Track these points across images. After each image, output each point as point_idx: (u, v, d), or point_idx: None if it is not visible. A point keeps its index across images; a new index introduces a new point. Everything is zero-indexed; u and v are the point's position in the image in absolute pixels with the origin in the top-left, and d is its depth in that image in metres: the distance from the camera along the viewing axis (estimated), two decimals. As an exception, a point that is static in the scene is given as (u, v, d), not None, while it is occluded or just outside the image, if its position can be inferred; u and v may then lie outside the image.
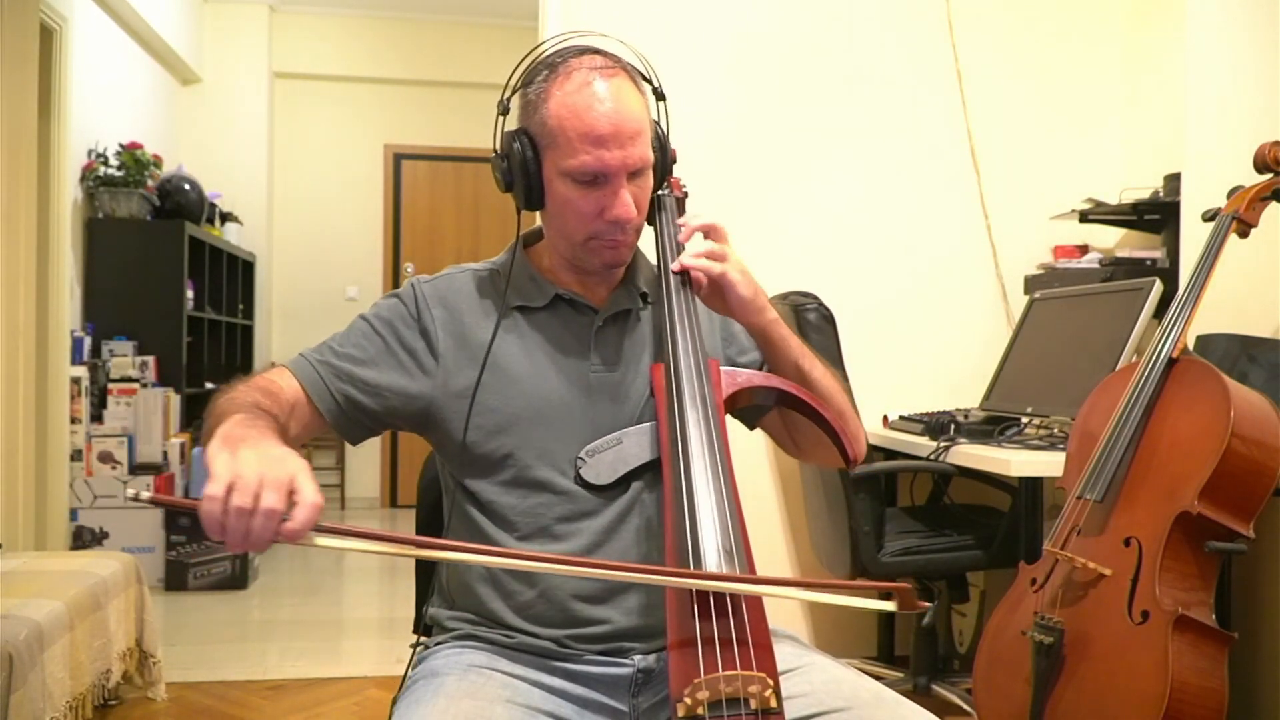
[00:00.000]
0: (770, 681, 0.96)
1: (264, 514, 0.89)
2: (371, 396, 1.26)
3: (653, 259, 1.35)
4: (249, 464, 0.91)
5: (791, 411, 1.35)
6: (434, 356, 1.27)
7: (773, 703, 0.95)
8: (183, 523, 0.98)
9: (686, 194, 1.44)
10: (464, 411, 1.24)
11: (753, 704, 0.94)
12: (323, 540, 0.93)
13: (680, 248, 1.29)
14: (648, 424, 1.24)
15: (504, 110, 1.25)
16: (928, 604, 1.04)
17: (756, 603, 1.01)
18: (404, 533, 0.98)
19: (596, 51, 1.22)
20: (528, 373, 1.26)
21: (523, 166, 1.22)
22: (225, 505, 0.88)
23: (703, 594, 1.01)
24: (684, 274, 1.25)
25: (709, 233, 1.28)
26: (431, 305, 1.29)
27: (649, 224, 1.34)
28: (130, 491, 0.92)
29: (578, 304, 1.29)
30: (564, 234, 1.26)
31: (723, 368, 1.23)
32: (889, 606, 1.02)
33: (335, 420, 1.25)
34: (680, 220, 1.31)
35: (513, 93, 1.25)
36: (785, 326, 1.29)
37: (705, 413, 1.15)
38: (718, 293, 1.25)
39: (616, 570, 1.10)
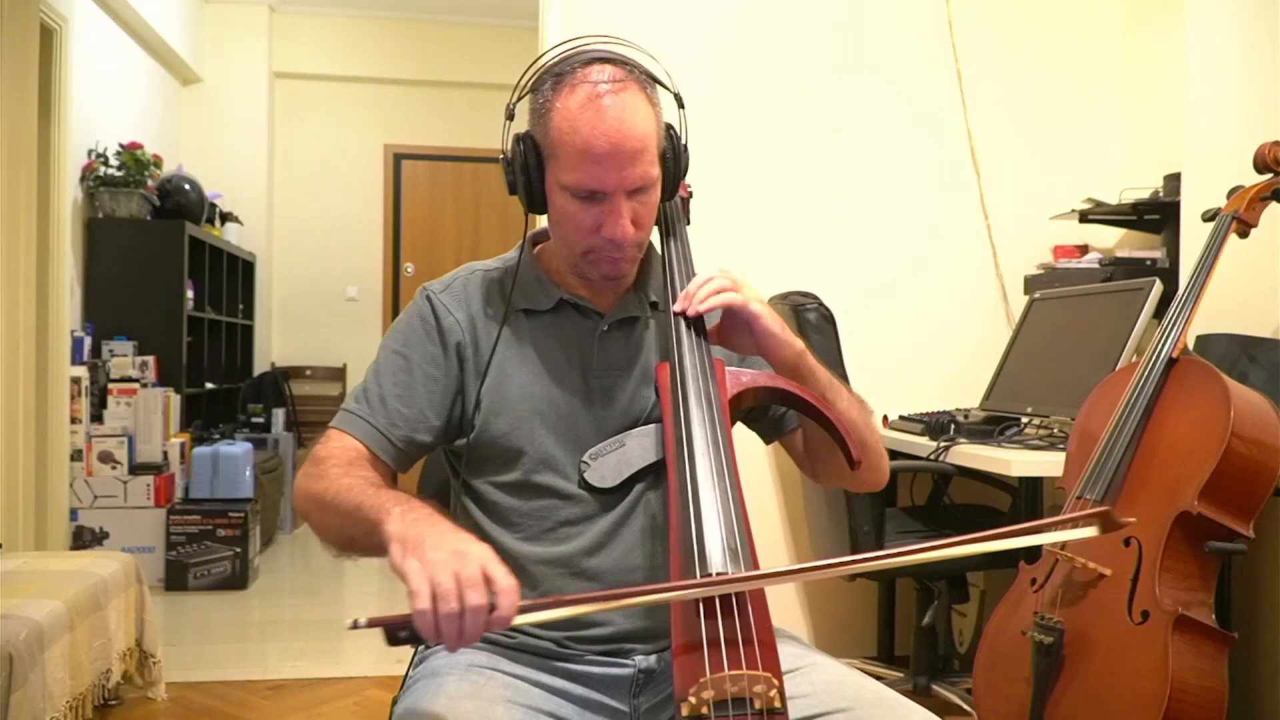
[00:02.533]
0: (775, 681, 0.96)
1: (472, 613, 0.91)
2: (427, 432, 1.26)
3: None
4: (441, 568, 0.92)
5: (808, 433, 1.35)
6: (460, 361, 1.27)
7: (777, 703, 0.95)
8: (403, 635, 1.01)
9: (691, 194, 1.43)
10: (470, 414, 1.24)
11: (757, 704, 0.94)
12: (527, 618, 0.97)
13: (691, 270, 1.28)
14: (651, 426, 1.24)
15: (510, 115, 1.23)
16: (1129, 520, 1.02)
17: (761, 602, 1.01)
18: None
19: (608, 61, 1.18)
20: (531, 377, 1.26)
21: (525, 172, 1.21)
22: (435, 613, 0.91)
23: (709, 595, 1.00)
24: (696, 320, 1.21)
25: (719, 291, 1.21)
26: (452, 310, 1.28)
27: (656, 226, 1.34)
28: (349, 622, 0.92)
29: (583, 308, 1.29)
30: (565, 242, 1.26)
31: (728, 368, 1.22)
32: (1091, 532, 1.02)
33: (399, 463, 1.26)
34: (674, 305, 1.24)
35: (520, 97, 1.23)
36: (813, 358, 1.26)
37: (710, 412, 1.15)
38: (742, 328, 1.21)
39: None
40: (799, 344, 1.24)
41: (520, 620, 0.95)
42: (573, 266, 1.27)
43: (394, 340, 1.29)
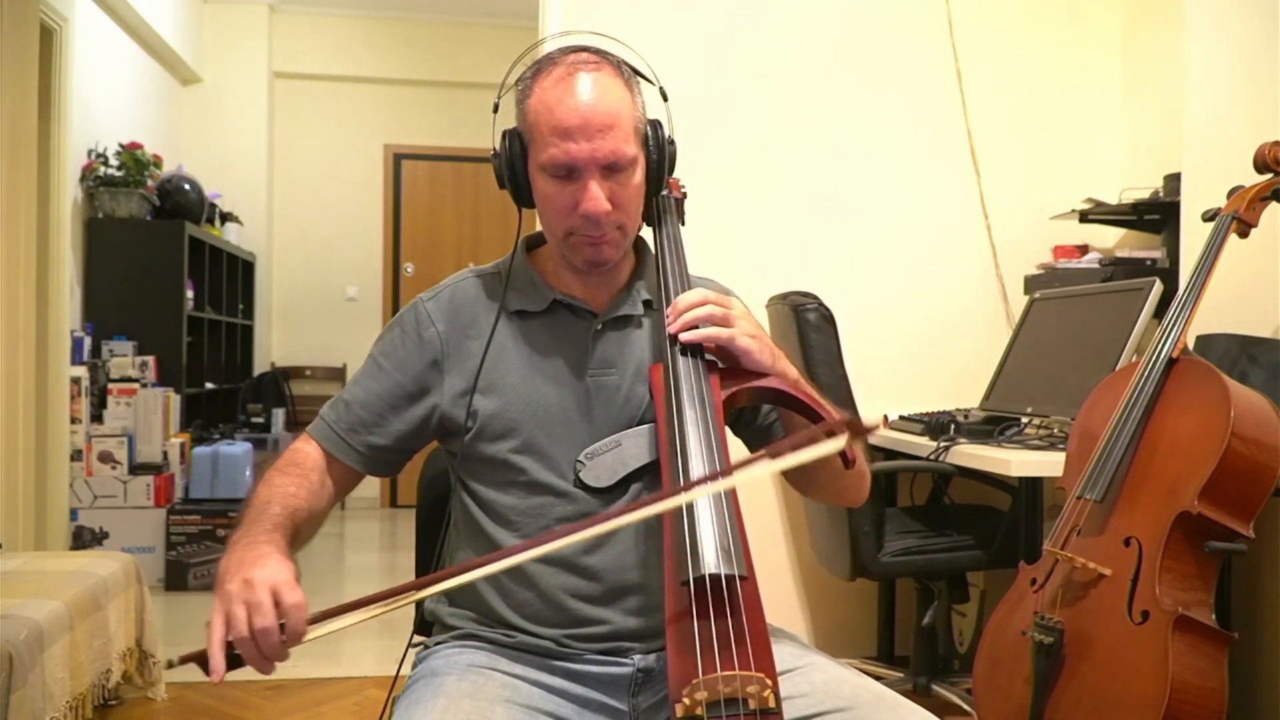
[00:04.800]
0: (769, 681, 0.95)
1: (261, 634, 0.98)
2: (390, 437, 1.29)
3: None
4: (234, 598, 0.99)
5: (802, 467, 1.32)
6: (439, 371, 1.28)
7: (771, 703, 0.95)
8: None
9: (685, 194, 1.43)
10: (464, 416, 1.25)
11: (751, 704, 0.94)
12: (320, 630, 1.01)
13: (687, 277, 1.29)
14: (646, 426, 1.24)
15: (494, 109, 1.26)
16: (875, 423, 1.05)
17: (755, 602, 1.01)
18: (395, 584, 1.06)
19: (585, 49, 1.22)
20: (526, 377, 1.26)
21: (509, 163, 1.24)
22: (233, 640, 0.98)
23: (702, 593, 1.00)
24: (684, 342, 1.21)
25: (708, 320, 1.20)
26: (435, 320, 1.29)
27: (649, 225, 1.34)
28: (164, 661, 0.99)
29: (576, 308, 1.29)
30: (548, 230, 1.27)
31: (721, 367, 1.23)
32: (839, 444, 1.04)
33: (367, 467, 1.31)
34: (668, 310, 1.23)
35: (505, 91, 1.26)
36: (805, 386, 1.25)
37: (703, 412, 1.15)
38: (729, 359, 1.21)
39: (594, 527, 1.09)
40: (793, 372, 1.24)
41: (321, 632, 1.00)
42: (559, 255, 1.28)
43: (376, 346, 1.33)
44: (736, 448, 1.40)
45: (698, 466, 1.10)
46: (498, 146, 1.26)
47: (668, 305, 1.24)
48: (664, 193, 1.35)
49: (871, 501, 2.42)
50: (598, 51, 1.22)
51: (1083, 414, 1.98)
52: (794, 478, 1.37)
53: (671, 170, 1.30)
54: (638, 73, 1.25)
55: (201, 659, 0.98)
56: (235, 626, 0.98)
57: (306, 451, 1.28)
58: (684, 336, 1.19)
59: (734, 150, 3.09)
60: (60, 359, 3.98)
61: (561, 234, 1.24)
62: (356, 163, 6.57)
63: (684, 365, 1.19)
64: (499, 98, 1.26)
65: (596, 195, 1.19)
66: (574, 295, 1.29)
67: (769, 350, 1.22)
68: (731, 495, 1.09)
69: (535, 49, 1.28)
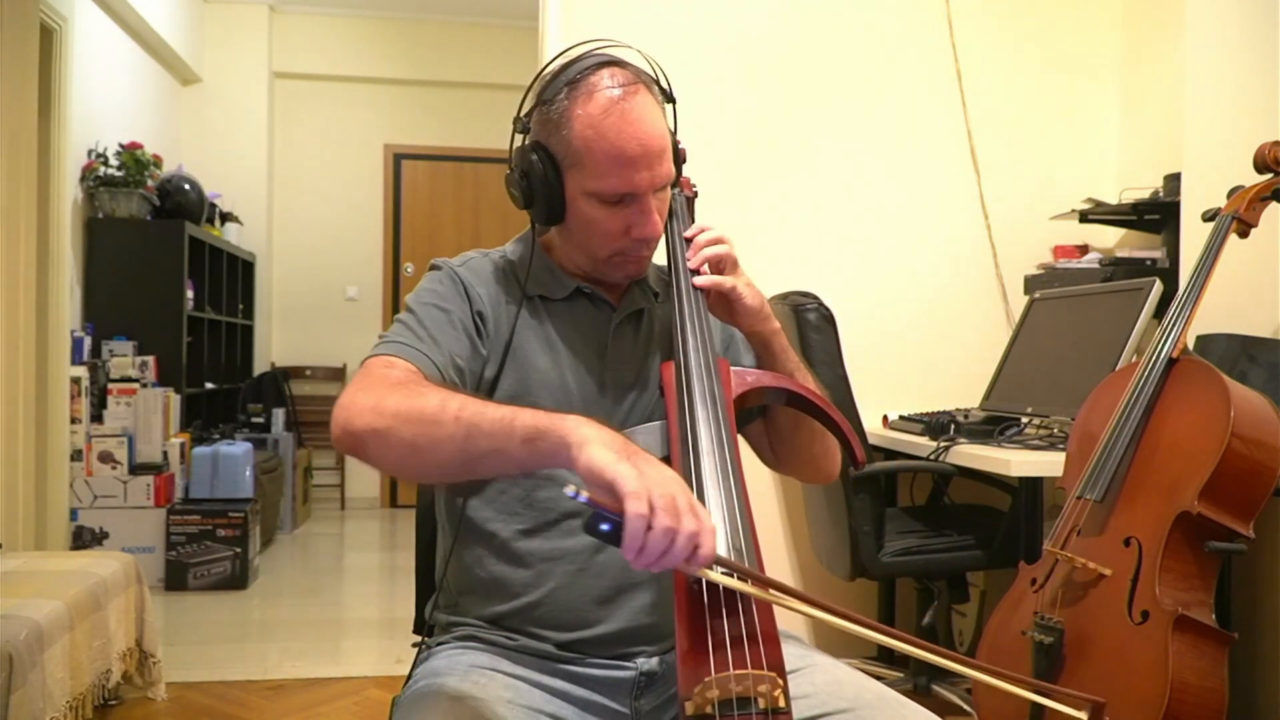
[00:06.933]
0: (780, 681, 0.95)
1: (686, 538, 0.88)
2: (465, 381, 1.22)
3: (661, 258, 1.35)
4: (661, 483, 0.89)
5: (775, 422, 1.35)
6: (483, 332, 1.25)
7: (781, 702, 0.94)
8: (605, 529, 0.98)
9: (696, 194, 1.44)
10: (488, 394, 1.23)
11: (761, 703, 0.94)
12: (716, 575, 0.93)
13: (687, 242, 1.30)
14: (656, 424, 1.24)
15: (524, 129, 1.23)
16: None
17: (765, 601, 1.01)
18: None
19: (614, 64, 1.20)
20: (547, 365, 1.26)
21: (544, 184, 1.21)
22: (650, 523, 0.87)
23: (714, 592, 1.00)
24: (695, 292, 1.26)
25: (720, 261, 1.26)
26: (474, 284, 1.27)
27: None
28: (570, 490, 0.87)
29: (596, 299, 1.30)
30: (586, 250, 1.26)
31: (732, 367, 1.23)
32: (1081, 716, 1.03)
33: None
34: (688, 234, 1.30)
35: (533, 108, 1.23)
36: (785, 338, 1.30)
37: (715, 412, 1.15)
38: (724, 302, 1.26)
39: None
40: (774, 322, 1.28)
41: (714, 577, 0.93)
42: (590, 270, 1.28)
43: (427, 297, 1.24)
44: (745, 443, 1.41)
45: (709, 465, 1.10)
46: (519, 162, 1.23)
47: (677, 300, 1.25)
48: (676, 190, 1.35)
49: (871, 501, 2.43)
50: (624, 65, 1.21)
51: (1083, 414, 1.98)
52: (769, 452, 1.39)
53: (681, 170, 1.32)
54: (656, 83, 1.25)
55: (604, 512, 0.87)
56: (668, 513, 0.87)
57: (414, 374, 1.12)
58: (698, 281, 1.25)
59: (733, 150, 3.09)
60: (60, 359, 3.98)
61: (606, 255, 1.24)
62: (356, 163, 6.58)
63: (695, 364, 1.19)
64: (524, 114, 1.23)
65: (657, 221, 1.21)
66: (593, 287, 1.30)
67: (757, 295, 1.27)
68: (743, 493, 1.09)
69: (554, 64, 1.25)
